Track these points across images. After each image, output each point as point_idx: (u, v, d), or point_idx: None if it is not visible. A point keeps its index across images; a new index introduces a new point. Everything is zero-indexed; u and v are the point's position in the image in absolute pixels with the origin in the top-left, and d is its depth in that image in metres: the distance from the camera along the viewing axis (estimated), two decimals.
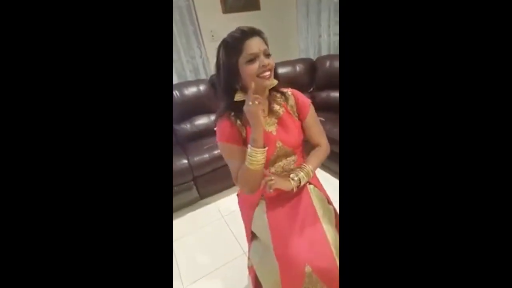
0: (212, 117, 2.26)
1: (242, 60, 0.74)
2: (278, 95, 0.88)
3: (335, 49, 2.50)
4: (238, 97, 0.80)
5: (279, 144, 0.84)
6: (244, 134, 0.81)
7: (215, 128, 0.84)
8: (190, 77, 2.57)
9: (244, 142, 0.81)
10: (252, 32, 0.75)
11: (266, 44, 0.77)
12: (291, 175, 0.83)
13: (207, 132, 2.18)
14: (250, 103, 0.68)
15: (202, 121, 2.23)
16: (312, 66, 2.39)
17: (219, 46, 0.79)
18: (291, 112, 0.88)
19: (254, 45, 0.73)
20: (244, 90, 0.80)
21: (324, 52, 2.59)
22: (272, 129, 0.85)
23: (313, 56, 2.68)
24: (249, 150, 0.73)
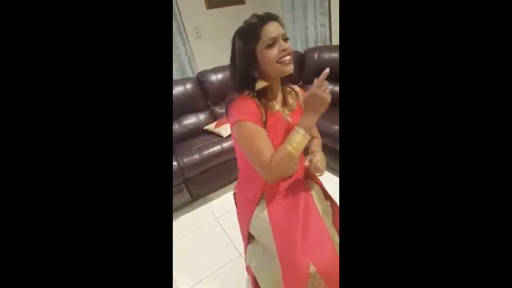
0: (201, 116, 2.21)
1: (260, 46, 0.72)
2: (288, 89, 0.88)
3: (322, 40, 2.46)
4: (261, 84, 0.76)
5: None
6: (264, 119, 0.76)
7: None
8: (177, 75, 2.51)
9: (264, 126, 0.77)
10: (269, 17, 0.73)
11: (283, 28, 0.75)
12: (316, 159, 0.81)
13: (196, 132, 2.13)
14: (327, 90, 0.68)
15: (191, 120, 2.18)
16: (300, 59, 2.36)
17: (234, 36, 0.76)
18: (303, 107, 0.86)
19: (272, 29, 0.71)
20: (263, 77, 0.77)
21: (311, 44, 2.55)
22: (290, 120, 0.83)
23: (300, 48, 2.64)
24: (297, 134, 0.71)
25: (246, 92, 0.76)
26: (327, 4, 2.26)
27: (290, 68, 0.74)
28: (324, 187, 0.96)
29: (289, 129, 0.78)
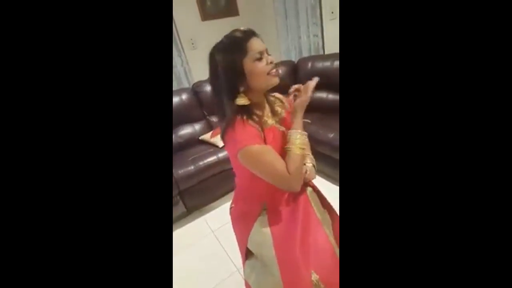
0: (197, 127, 2.20)
1: (248, 59, 0.71)
2: (273, 98, 0.88)
3: (315, 50, 2.49)
4: (242, 101, 0.73)
5: None
6: (262, 136, 0.74)
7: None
8: (172, 86, 2.50)
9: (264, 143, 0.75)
10: (252, 32, 0.74)
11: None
12: (305, 168, 0.84)
13: (192, 142, 2.11)
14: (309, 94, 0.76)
15: (186, 131, 2.16)
16: (294, 68, 2.37)
17: (212, 52, 0.74)
18: (291, 112, 0.87)
19: (258, 43, 0.72)
20: (248, 92, 0.75)
21: (305, 53, 2.58)
22: (283, 129, 0.82)
23: (294, 58, 2.67)
24: (297, 135, 0.75)
25: (239, 117, 0.73)
26: (318, 14, 2.30)
27: (277, 80, 0.76)
28: (321, 194, 0.94)
29: (285, 138, 0.78)
